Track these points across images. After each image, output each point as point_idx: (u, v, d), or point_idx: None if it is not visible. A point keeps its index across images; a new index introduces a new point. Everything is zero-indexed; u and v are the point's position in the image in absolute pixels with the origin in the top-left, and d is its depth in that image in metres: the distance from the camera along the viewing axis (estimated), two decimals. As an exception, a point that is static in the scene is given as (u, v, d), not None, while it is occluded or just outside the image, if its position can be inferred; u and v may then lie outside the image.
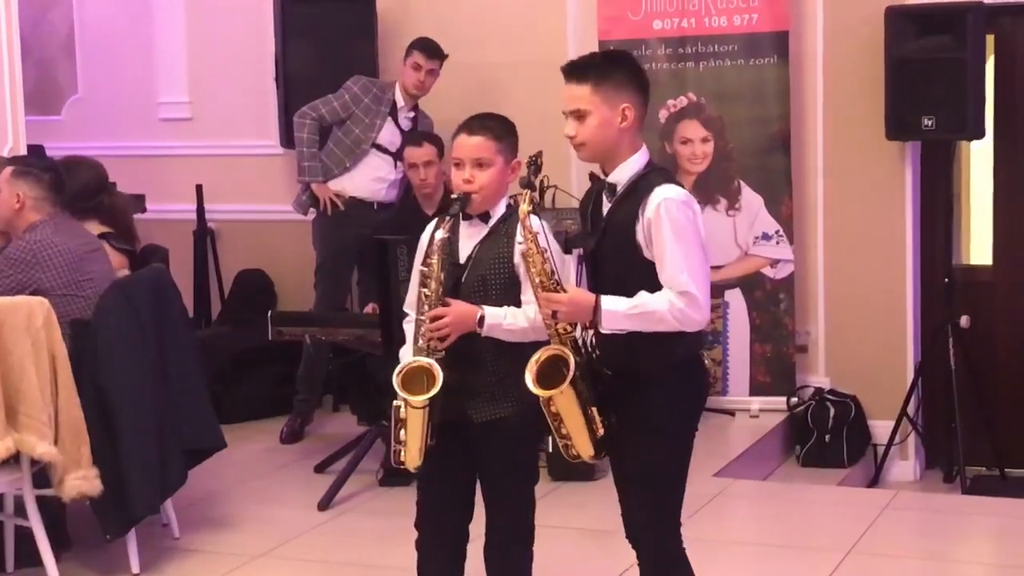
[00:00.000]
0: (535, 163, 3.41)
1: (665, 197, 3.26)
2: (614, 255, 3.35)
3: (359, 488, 5.49)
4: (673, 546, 3.43)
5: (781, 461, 6.31)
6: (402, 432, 3.48)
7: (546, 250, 3.33)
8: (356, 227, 6.15)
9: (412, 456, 3.50)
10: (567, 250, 5.74)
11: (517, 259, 3.52)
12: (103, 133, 7.60)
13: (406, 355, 3.59)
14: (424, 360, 3.46)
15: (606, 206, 3.38)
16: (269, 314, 5.58)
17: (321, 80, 6.42)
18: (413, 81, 6.26)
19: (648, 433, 3.35)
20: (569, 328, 3.32)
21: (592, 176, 3.44)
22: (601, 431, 3.34)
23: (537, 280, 3.32)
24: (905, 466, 6.37)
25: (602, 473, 5.52)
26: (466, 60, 6.90)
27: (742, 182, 6.38)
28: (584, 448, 3.36)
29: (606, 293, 3.29)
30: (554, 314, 3.30)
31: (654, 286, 3.27)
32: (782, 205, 6.38)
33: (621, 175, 3.35)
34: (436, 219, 3.58)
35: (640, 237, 3.28)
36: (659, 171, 3.41)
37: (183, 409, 4.75)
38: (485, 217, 3.59)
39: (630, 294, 3.27)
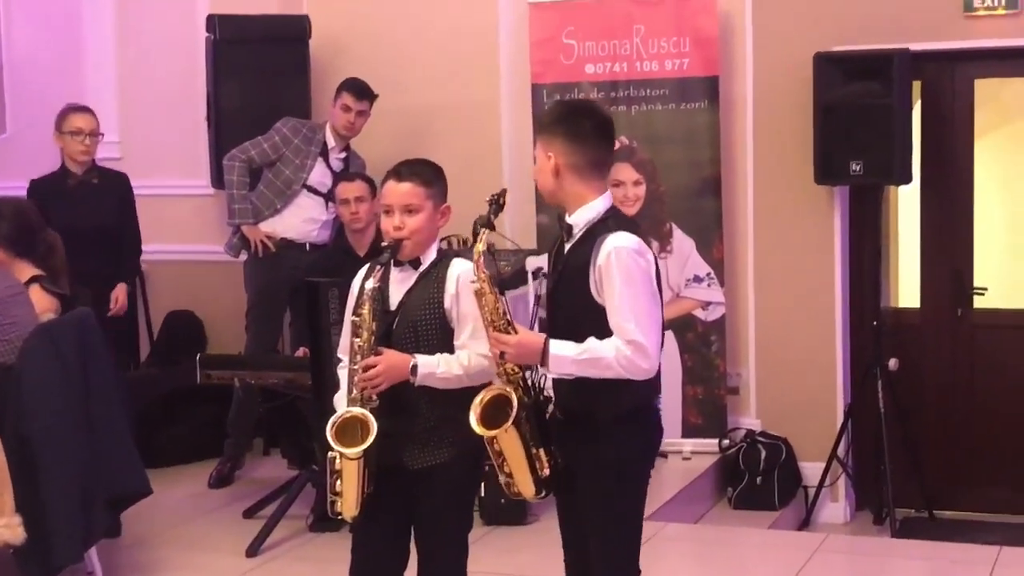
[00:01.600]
0: (497, 202, 3.42)
1: (616, 245, 3.28)
2: (568, 297, 3.37)
3: (289, 534, 5.42)
4: None
5: (713, 503, 6.32)
6: (338, 483, 3.47)
7: (498, 290, 3.35)
8: (288, 269, 6.11)
9: (349, 506, 3.49)
10: (501, 291, 5.78)
11: (448, 304, 3.53)
12: (33, 173, 7.48)
13: (340, 402, 3.57)
14: (358, 410, 3.44)
15: (566, 248, 3.42)
16: (198, 357, 5.51)
17: (253, 120, 6.38)
18: (343, 122, 6.24)
19: (604, 481, 3.35)
20: (517, 369, 3.34)
21: (559, 220, 3.48)
22: (546, 471, 3.35)
23: (488, 319, 3.33)
24: (836, 508, 6.40)
25: (534, 517, 5.51)
26: (399, 102, 6.90)
27: (674, 225, 6.41)
28: (526, 487, 3.38)
29: (559, 334, 3.32)
30: (502, 354, 3.31)
31: (605, 330, 3.28)
32: (713, 248, 6.42)
33: (579, 218, 3.39)
34: (367, 267, 3.57)
35: (592, 282, 3.30)
36: (617, 218, 3.42)
37: (108, 454, 4.66)
38: (415, 263, 3.59)
39: (582, 337, 3.29)
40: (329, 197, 6.23)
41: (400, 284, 3.59)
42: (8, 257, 4.83)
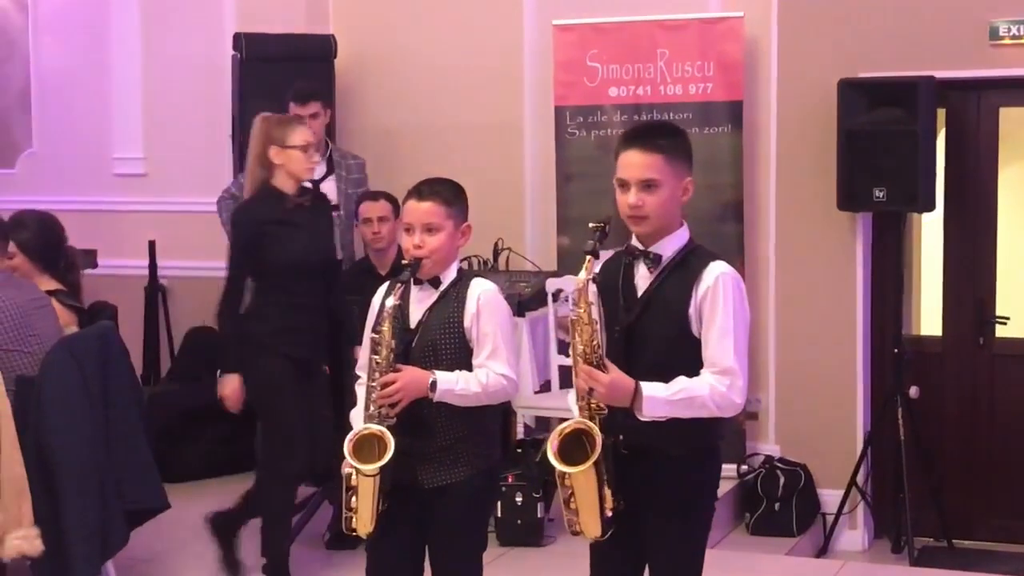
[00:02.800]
0: (603, 230, 3.26)
1: (722, 272, 3.23)
2: (659, 331, 3.25)
3: (306, 551, 5.42)
4: None
5: (730, 529, 6.30)
6: (353, 499, 3.48)
7: (596, 322, 3.23)
8: None
9: (364, 522, 3.50)
10: (520, 313, 5.78)
11: (468, 323, 3.54)
12: (57, 187, 7.57)
13: (356, 418, 3.57)
14: (375, 427, 3.45)
15: (643, 278, 3.30)
16: (218, 372, 5.52)
17: (277, 139, 6.38)
18: None
19: (679, 519, 3.28)
20: (603, 406, 3.21)
21: (629, 247, 3.33)
22: (610, 512, 3.24)
23: (580, 349, 3.21)
24: (854, 535, 6.36)
25: (550, 539, 5.50)
26: (423, 121, 6.95)
27: (695, 249, 6.40)
28: (591, 528, 3.26)
29: (642, 371, 3.19)
30: (590, 391, 3.19)
31: (696, 367, 3.19)
32: (734, 273, 6.40)
33: (666, 247, 3.28)
34: (387, 285, 3.58)
35: (692, 312, 3.21)
36: (704, 248, 3.36)
37: (126, 468, 4.68)
38: (435, 282, 3.60)
39: (670, 374, 3.18)
40: None
41: (420, 303, 3.60)
42: (30, 269, 4.86)
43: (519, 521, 5.46)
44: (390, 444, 3.41)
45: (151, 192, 7.51)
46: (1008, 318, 6.39)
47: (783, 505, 6.23)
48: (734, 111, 6.38)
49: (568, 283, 5.56)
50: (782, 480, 6.26)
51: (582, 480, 3.19)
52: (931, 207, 6.12)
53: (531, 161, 6.84)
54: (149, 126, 7.51)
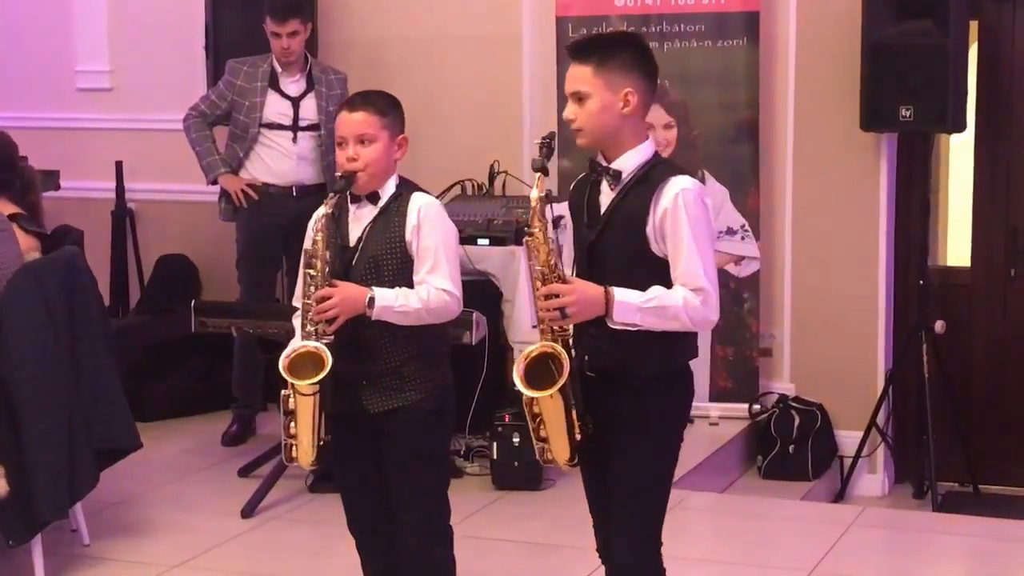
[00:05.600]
0: (548, 145, 3.37)
1: (683, 187, 3.28)
2: (619, 248, 3.33)
3: (287, 494, 5.46)
4: (656, 566, 3.44)
5: (741, 472, 6.34)
6: (292, 425, 3.52)
7: (553, 241, 3.30)
8: (275, 215, 6.12)
9: (304, 452, 3.54)
10: (517, 241, 5.77)
11: (409, 237, 3.58)
12: (14, 103, 7.50)
13: (291, 346, 3.59)
14: (312, 344, 3.48)
15: (606, 195, 3.38)
16: (192, 303, 5.54)
17: (254, 52, 6.35)
18: (277, 50, 6.16)
19: (644, 441, 3.35)
20: (566, 328, 3.29)
21: (592, 163, 3.42)
22: (579, 436, 3.32)
23: (538, 271, 3.29)
24: (873, 480, 6.41)
25: (549, 482, 5.53)
26: (415, 34, 6.89)
27: (706, 172, 6.39)
28: (561, 453, 3.34)
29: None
30: (562, 313, 3.25)
31: (660, 284, 3.27)
32: (748, 198, 6.40)
33: (626, 163, 3.35)
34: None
35: (650, 230, 3.28)
36: (667, 162, 3.43)
37: (95, 405, 4.69)
38: (374, 198, 3.64)
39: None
40: (296, 128, 6.20)
41: (359, 220, 3.64)
42: (-16, 191, 4.82)
43: (516, 463, 5.48)
44: (327, 359, 3.43)
45: (118, 108, 7.44)
46: (1043, 248, 6.40)
47: (798, 447, 6.26)
48: (750, 22, 6.33)
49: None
50: (797, 421, 6.28)
51: (550, 405, 3.28)
52: (962, 127, 6.10)
53: (530, 77, 6.78)
54: (115, 36, 7.44)
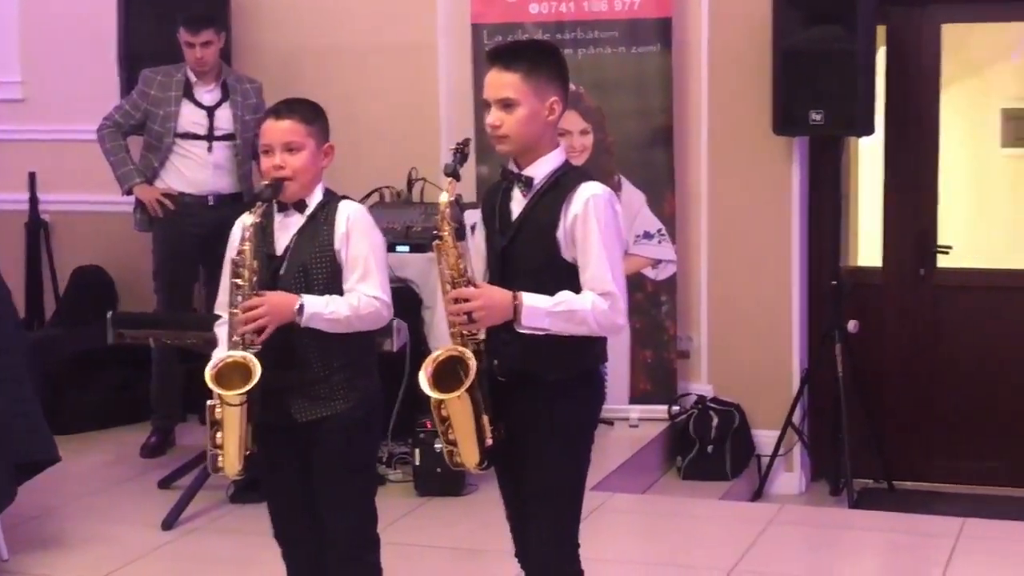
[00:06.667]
0: (461, 151, 3.39)
1: (593, 194, 3.32)
2: (530, 255, 3.36)
3: (208, 505, 5.42)
4: (574, 567, 3.47)
5: (661, 473, 6.39)
6: (219, 435, 3.50)
7: (461, 246, 3.34)
8: (192, 225, 6.09)
9: (231, 462, 3.52)
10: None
11: (338, 245, 3.58)
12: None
13: (217, 355, 3.58)
14: (239, 354, 3.47)
15: (517, 202, 3.40)
16: (109, 315, 5.48)
17: (168, 61, 6.30)
18: (191, 60, 6.14)
19: (556, 444, 3.38)
20: (476, 332, 3.32)
21: (504, 170, 3.44)
22: (490, 441, 3.35)
23: (448, 274, 3.32)
24: (790, 478, 6.49)
25: (472, 487, 5.54)
26: (329, 43, 6.87)
27: (623, 177, 6.44)
28: (470, 457, 3.37)
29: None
30: (469, 317, 3.28)
31: (571, 289, 3.30)
32: (664, 202, 6.46)
33: (538, 170, 3.38)
34: (249, 210, 3.59)
35: (561, 235, 3.32)
36: (578, 168, 3.50)
37: (12, 419, 4.64)
38: (301, 206, 3.63)
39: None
40: (211, 138, 6.17)
41: (286, 229, 3.63)
42: None
43: (438, 469, 5.48)
44: (256, 369, 3.42)
45: (30, 119, 7.35)
46: (951, 247, 6.52)
47: (716, 447, 6.32)
48: (663, 29, 6.39)
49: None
50: (715, 421, 6.35)
51: (458, 408, 3.31)
52: (870, 131, 6.19)
53: (446, 84, 6.79)
54: (27, 46, 7.36)
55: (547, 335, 3.29)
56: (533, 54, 3.42)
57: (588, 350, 3.41)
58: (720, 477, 6.29)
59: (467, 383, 3.27)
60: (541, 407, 3.37)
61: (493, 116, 3.35)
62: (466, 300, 3.28)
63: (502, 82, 3.35)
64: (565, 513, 3.44)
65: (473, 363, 3.28)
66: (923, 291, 6.54)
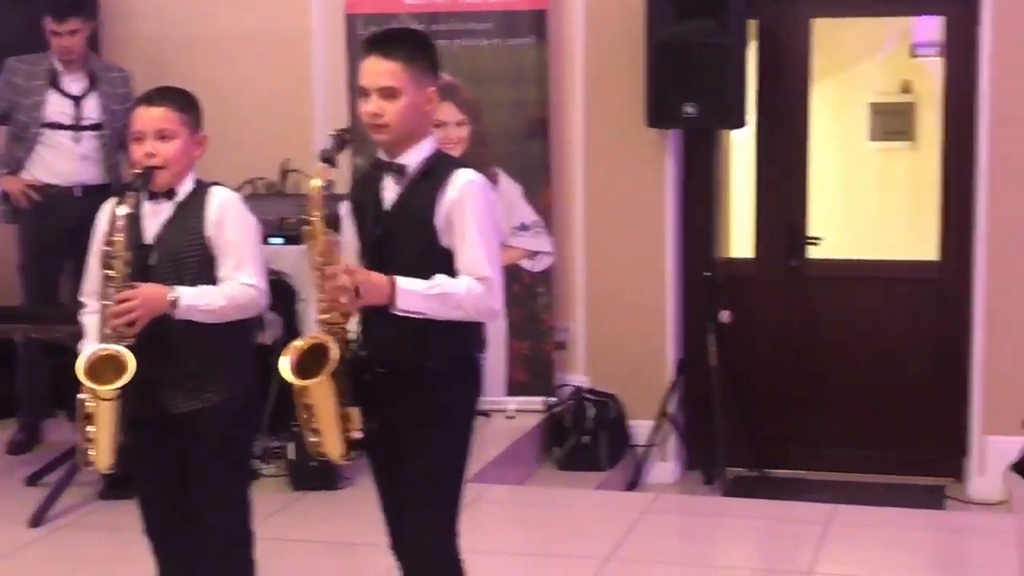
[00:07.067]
0: (341, 138, 3.37)
1: (468, 180, 3.34)
2: (407, 242, 3.36)
3: (77, 501, 5.34)
4: (454, 558, 3.47)
5: (539, 464, 6.42)
6: (90, 429, 3.46)
7: (331, 232, 3.34)
8: (58, 217, 5.97)
9: (103, 455, 3.48)
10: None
11: (210, 233, 3.54)
12: None
13: (89, 348, 3.52)
14: (112, 347, 3.41)
15: (391, 191, 3.40)
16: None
17: (34, 50, 6.14)
18: (57, 48, 6.03)
19: (436, 431, 3.39)
20: (340, 319, 3.32)
21: (376, 160, 3.43)
22: (358, 434, 3.35)
23: (318, 261, 3.31)
24: (665, 467, 6.56)
25: (347, 481, 5.52)
26: (198, 31, 6.78)
27: (499, 169, 6.45)
28: (333, 447, 3.37)
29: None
30: (348, 294, 3.26)
31: (448, 275, 3.32)
32: (541, 194, 6.48)
33: (411, 158, 3.38)
34: (116, 197, 3.54)
35: (438, 222, 3.32)
36: (450, 156, 3.51)
37: None
38: (171, 194, 3.60)
39: None
40: (79, 128, 6.05)
41: (155, 217, 3.58)
42: None
43: (313, 464, 5.44)
44: (129, 363, 3.38)
45: None
46: (820, 238, 6.63)
47: (592, 438, 6.37)
48: (538, 21, 6.41)
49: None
50: (591, 412, 6.39)
51: (319, 396, 3.31)
52: (741, 124, 6.28)
53: (320, 74, 6.74)
54: None
55: (427, 323, 3.29)
56: (413, 43, 3.42)
57: (468, 338, 3.42)
58: (596, 467, 6.34)
59: (327, 369, 3.27)
60: (423, 397, 3.36)
61: (374, 105, 3.33)
62: (347, 280, 3.25)
63: (383, 70, 3.33)
64: (446, 503, 3.44)
65: (335, 350, 3.28)
66: (794, 282, 6.65)
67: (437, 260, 3.33)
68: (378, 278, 3.27)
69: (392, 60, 3.33)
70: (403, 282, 3.27)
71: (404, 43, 3.40)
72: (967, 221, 6.23)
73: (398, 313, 3.27)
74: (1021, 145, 5.99)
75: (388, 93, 3.32)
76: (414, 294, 3.27)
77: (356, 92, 6.33)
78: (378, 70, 3.34)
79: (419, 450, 3.39)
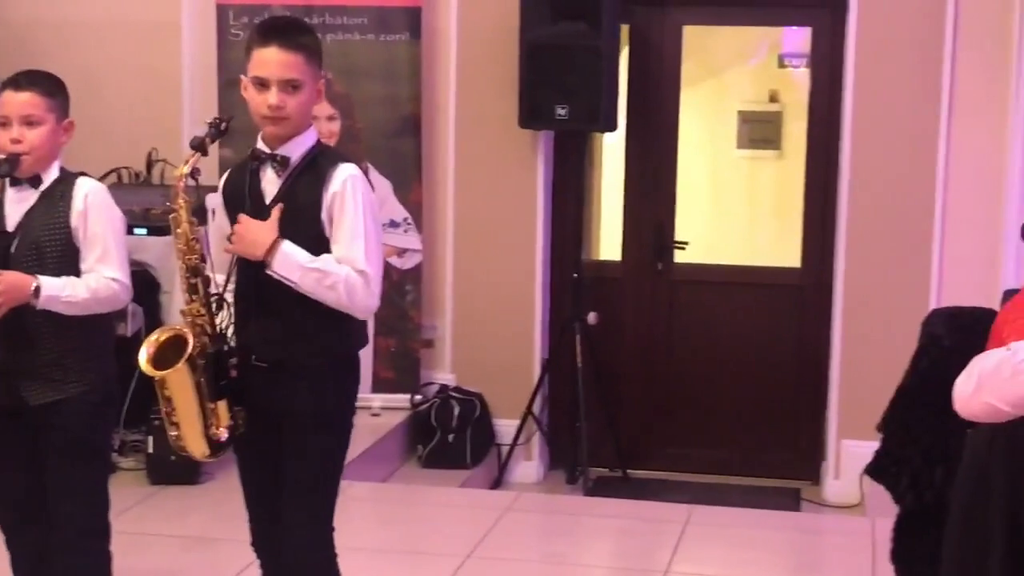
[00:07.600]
0: (218, 127, 3.34)
1: (351, 174, 3.34)
2: (291, 235, 3.32)
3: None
4: (328, 555, 3.47)
5: (402, 462, 6.42)
6: None
7: (195, 221, 3.33)
8: None
9: None
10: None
11: (75, 223, 3.51)
12: None
13: None
14: None
15: (271, 183, 3.38)
16: None
17: None
18: None
19: (317, 431, 3.37)
20: (202, 311, 3.31)
21: (254, 150, 3.40)
22: (221, 430, 3.34)
23: (182, 251, 3.32)
24: (529, 467, 6.60)
25: (207, 476, 5.47)
26: (71, 16, 6.66)
27: (370, 165, 6.42)
28: (195, 445, 3.37)
29: (270, 277, 3.31)
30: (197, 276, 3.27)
31: None
32: (411, 191, 6.48)
33: (293, 150, 3.37)
34: None
35: (324, 215, 3.32)
36: (332, 148, 3.54)
37: None
38: (35, 181, 3.55)
39: None
40: None
41: (18, 203, 3.54)
42: None
43: (172, 457, 5.35)
44: None
45: None
46: (687, 243, 6.73)
47: (457, 436, 6.39)
48: (412, 18, 6.41)
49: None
50: (456, 410, 6.41)
51: (178, 388, 3.31)
52: (613, 127, 6.34)
53: (190, 63, 6.66)
54: None
55: (307, 317, 3.30)
56: (310, 34, 3.42)
57: (348, 334, 3.41)
58: (461, 465, 6.36)
59: (183, 358, 3.26)
60: (302, 394, 3.34)
61: (276, 97, 3.29)
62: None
63: (288, 62, 3.30)
64: (324, 498, 3.44)
65: (191, 341, 3.27)
66: (660, 285, 6.74)
67: (323, 252, 3.32)
68: (267, 233, 3.26)
69: (295, 52, 3.31)
70: (288, 246, 3.26)
71: (302, 34, 3.39)
72: (829, 230, 6.37)
73: (271, 274, 3.26)
74: (883, 156, 6.14)
75: (292, 85, 3.31)
76: (294, 262, 3.26)
77: (227, 83, 6.34)
78: (282, 62, 3.30)
79: (297, 449, 3.37)
